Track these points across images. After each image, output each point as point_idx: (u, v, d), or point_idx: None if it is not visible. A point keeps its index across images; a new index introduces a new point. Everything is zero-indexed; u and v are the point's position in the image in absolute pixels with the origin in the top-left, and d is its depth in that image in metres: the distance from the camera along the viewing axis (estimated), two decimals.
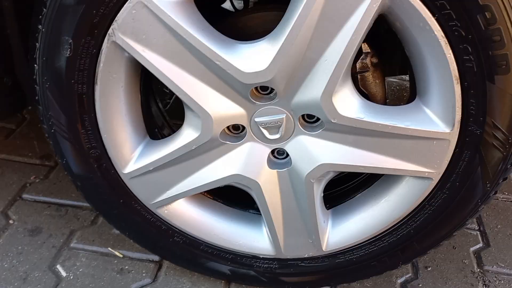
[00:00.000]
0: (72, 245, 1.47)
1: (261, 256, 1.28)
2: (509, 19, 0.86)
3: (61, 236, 1.49)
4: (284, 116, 1.05)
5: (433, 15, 0.86)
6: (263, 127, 1.07)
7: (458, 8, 0.85)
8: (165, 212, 1.22)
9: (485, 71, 0.90)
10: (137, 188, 1.18)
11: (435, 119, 0.99)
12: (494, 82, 0.91)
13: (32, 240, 1.48)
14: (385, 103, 1.12)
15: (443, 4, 0.85)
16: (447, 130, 0.99)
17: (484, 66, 0.90)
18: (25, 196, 1.64)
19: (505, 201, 1.78)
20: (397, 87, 2.37)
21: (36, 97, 1.07)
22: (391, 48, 1.14)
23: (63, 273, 1.38)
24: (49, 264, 1.41)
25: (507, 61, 0.89)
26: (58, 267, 1.40)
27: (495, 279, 1.47)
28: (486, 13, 0.85)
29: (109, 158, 1.13)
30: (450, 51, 0.89)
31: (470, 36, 0.87)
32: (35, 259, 1.42)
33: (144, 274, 1.40)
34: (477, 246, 1.58)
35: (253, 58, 0.96)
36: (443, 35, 0.88)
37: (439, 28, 0.87)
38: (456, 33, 0.87)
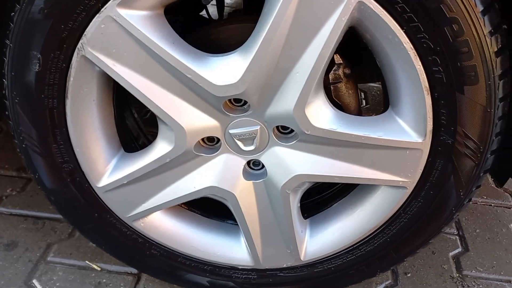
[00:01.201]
0: (49, 258, 1.45)
1: (240, 267, 1.27)
2: (476, 30, 0.87)
3: (38, 250, 1.47)
4: (258, 127, 1.05)
5: (402, 27, 0.87)
6: (237, 139, 1.07)
7: (426, 20, 0.85)
8: (141, 225, 1.21)
9: (455, 82, 0.91)
10: (111, 201, 1.16)
11: (407, 129, 1.00)
12: (463, 92, 0.92)
13: (7, 255, 1.45)
14: (359, 113, 1.13)
15: (410, 16, 0.85)
16: (419, 140, 0.99)
17: (453, 77, 0.91)
18: (1, 209, 1.61)
19: (484, 205, 1.80)
20: (378, 92, 2.38)
21: (6, 112, 1.05)
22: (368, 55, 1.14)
23: None
24: (25, 279, 1.38)
25: (475, 72, 0.90)
26: (35, 282, 1.38)
27: (473, 283, 1.48)
28: (453, 25, 0.86)
29: (82, 172, 1.11)
30: (420, 62, 0.90)
31: (438, 48, 0.88)
32: (11, 274, 1.40)
33: (122, 287, 1.38)
34: (456, 251, 1.59)
35: (225, 70, 0.96)
36: (412, 47, 0.89)
37: (407, 40, 0.88)
38: (424, 45, 0.88)
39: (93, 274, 1.41)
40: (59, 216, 1.57)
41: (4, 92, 1.02)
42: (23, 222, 1.57)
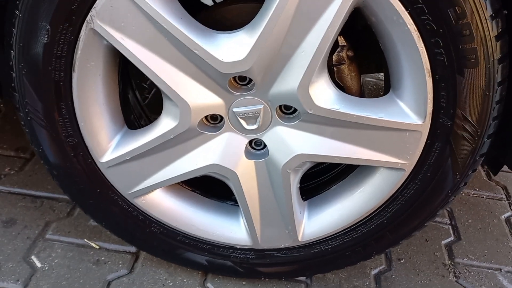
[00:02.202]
0: (47, 236, 1.45)
1: (238, 247, 1.29)
2: (478, 14, 0.89)
3: (36, 228, 1.48)
4: (262, 106, 1.06)
5: (406, 9, 0.89)
6: (241, 118, 1.08)
7: (430, 2, 0.88)
8: (142, 202, 1.22)
9: (455, 65, 0.93)
10: (114, 177, 1.17)
11: (407, 111, 1.02)
12: (463, 75, 0.95)
13: (6, 232, 1.46)
14: (360, 96, 1.15)
15: None
16: (419, 122, 1.02)
17: (454, 59, 0.93)
18: None
19: (476, 196, 1.83)
20: (374, 86, 2.41)
21: (12, 84, 1.06)
22: (367, 43, 1.16)
23: (38, 264, 1.37)
24: (24, 255, 1.39)
25: (476, 55, 0.93)
26: (33, 258, 1.38)
27: (465, 271, 1.51)
28: (456, 7, 0.88)
29: (86, 147, 1.12)
30: (422, 44, 0.92)
31: (441, 30, 0.90)
32: (9, 250, 1.40)
33: (120, 265, 1.39)
34: (449, 240, 1.62)
35: (231, 48, 0.97)
36: (416, 28, 0.91)
37: (411, 21, 0.90)
38: (428, 27, 0.90)
39: (91, 252, 1.42)
40: (57, 195, 1.59)
41: (11, 63, 1.03)
42: (22, 201, 1.57)
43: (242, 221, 1.26)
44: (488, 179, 1.92)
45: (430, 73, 0.95)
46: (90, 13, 0.94)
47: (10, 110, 1.94)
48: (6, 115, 1.94)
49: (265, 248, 1.28)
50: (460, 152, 1.05)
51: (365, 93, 2.39)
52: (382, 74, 1.23)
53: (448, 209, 1.74)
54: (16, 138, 1.82)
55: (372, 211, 1.18)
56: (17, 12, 0.96)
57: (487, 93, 0.97)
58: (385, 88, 1.13)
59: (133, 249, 1.44)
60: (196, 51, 0.96)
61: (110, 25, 0.95)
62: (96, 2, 0.92)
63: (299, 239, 1.25)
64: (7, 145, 1.80)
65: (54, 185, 1.25)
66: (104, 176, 1.17)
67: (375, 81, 2.45)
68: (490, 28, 0.91)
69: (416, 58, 0.94)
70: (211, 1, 1.45)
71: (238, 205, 1.23)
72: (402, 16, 0.90)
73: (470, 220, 1.72)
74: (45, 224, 1.49)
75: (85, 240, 1.45)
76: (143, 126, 1.23)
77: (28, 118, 1.10)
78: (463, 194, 1.83)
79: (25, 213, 1.53)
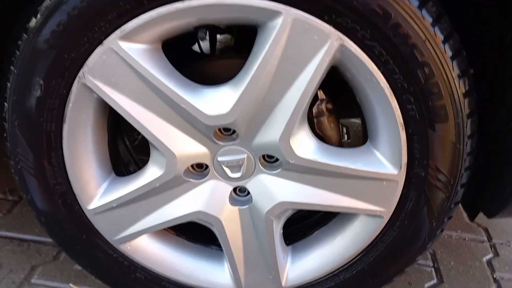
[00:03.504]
0: (33, 280, 1.45)
1: None
2: (446, 74, 0.96)
3: (22, 272, 1.48)
4: (245, 156, 1.11)
5: (379, 68, 0.95)
6: (225, 166, 1.12)
7: (400, 63, 0.94)
8: (127, 248, 1.24)
9: (426, 120, 0.99)
10: (100, 224, 1.20)
11: (384, 161, 1.07)
12: (435, 129, 1.00)
13: None
14: (340, 145, 1.20)
15: (387, 59, 0.94)
16: (395, 172, 1.06)
17: (425, 115, 0.99)
18: None
19: (458, 239, 1.87)
20: (359, 128, 2.48)
21: (4, 134, 1.10)
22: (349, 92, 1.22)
23: None
24: None
25: (445, 111, 0.99)
26: None
27: None
28: (425, 68, 0.95)
29: (74, 194, 1.15)
30: (395, 100, 0.98)
31: (412, 88, 0.96)
32: None
33: None
34: (432, 283, 1.64)
35: (216, 101, 1.02)
36: (388, 86, 0.97)
37: (384, 80, 0.96)
38: (399, 85, 0.96)
39: None
40: (44, 239, 1.60)
41: (4, 115, 1.07)
42: (9, 244, 1.58)
43: (226, 266, 1.28)
44: (470, 220, 1.96)
45: (404, 127, 1.01)
46: (82, 70, 0.99)
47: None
48: None
49: None
50: (435, 201, 1.10)
51: (350, 133, 2.46)
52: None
53: (430, 251, 1.77)
54: (4, 180, 1.84)
55: (354, 256, 1.21)
56: (12, 68, 1.01)
57: (458, 146, 1.02)
58: (363, 138, 1.18)
59: None
60: (183, 105, 1.01)
61: (101, 80, 1.00)
62: (88, 59, 0.98)
63: (283, 284, 1.27)
64: None
65: (42, 229, 1.26)
66: (91, 222, 1.19)
67: (360, 123, 2.51)
68: (457, 86, 0.97)
69: (390, 113, 1.00)
70: (200, 52, 1.53)
71: (222, 250, 1.25)
72: (375, 75, 0.96)
73: (452, 263, 1.75)
74: (31, 268, 1.49)
75: (71, 285, 1.46)
76: (131, 172, 1.26)
77: (19, 167, 1.13)
78: (446, 236, 1.87)
79: (11, 256, 1.53)
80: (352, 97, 1.24)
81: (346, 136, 2.43)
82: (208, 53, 1.48)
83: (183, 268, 1.28)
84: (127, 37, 0.96)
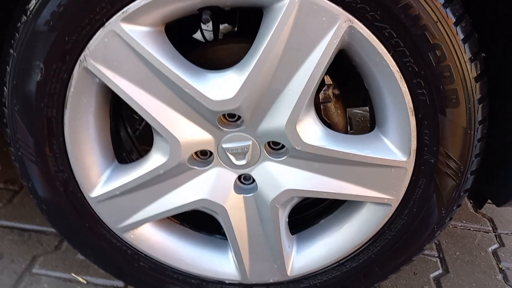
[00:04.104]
0: (34, 270, 1.44)
1: (227, 282, 1.29)
2: (458, 57, 0.93)
3: (23, 262, 1.46)
4: (250, 142, 1.08)
5: (389, 51, 0.93)
6: (230, 153, 1.10)
7: (411, 45, 0.92)
8: (131, 237, 1.22)
9: (437, 104, 0.97)
10: (103, 212, 1.18)
11: (392, 148, 1.05)
12: (445, 114, 0.98)
13: None
14: (346, 132, 1.18)
15: (397, 42, 0.91)
16: (404, 159, 1.04)
17: (436, 99, 0.96)
18: None
19: (463, 229, 1.85)
20: (362, 118, 2.46)
21: (4, 120, 1.07)
22: (355, 79, 1.20)
23: None
24: None
25: (456, 96, 0.96)
26: None
27: None
28: (436, 51, 0.92)
29: (76, 182, 1.13)
30: (405, 85, 0.96)
31: (422, 72, 0.94)
32: None
33: None
34: (437, 273, 1.63)
35: (221, 86, 1.00)
36: (398, 70, 0.94)
37: (394, 63, 0.94)
38: (410, 68, 0.94)
39: (78, 287, 1.41)
40: (45, 228, 1.58)
41: (3, 100, 1.04)
42: (9, 234, 1.56)
43: (231, 255, 1.27)
44: (474, 211, 1.94)
45: (413, 112, 0.98)
46: (83, 53, 0.96)
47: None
48: None
49: (254, 283, 1.28)
50: (444, 188, 1.08)
51: (353, 125, 2.44)
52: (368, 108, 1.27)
53: (436, 241, 1.76)
54: (5, 170, 1.81)
55: (360, 245, 1.20)
56: (11, 51, 0.98)
57: (469, 132, 1.00)
58: (371, 124, 1.16)
59: (120, 283, 1.43)
60: (186, 90, 0.99)
61: (103, 64, 0.97)
62: (90, 42, 0.95)
63: (288, 273, 1.25)
64: None
65: (43, 218, 1.24)
66: (94, 210, 1.17)
67: (363, 114, 2.49)
68: (469, 70, 0.95)
69: (400, 98, 0.98)
70: (203, 39, 1.50)
71: (227, 239, 1.24)
72: (385, 58, 0.94)
73: (458, 253, 1.73)
74: (32, 258, 1.48)
75: (73, 274, 1.44)
76: (133, 161, 1.24)
77: (19, 153, 1.10)
78: (451, 227, 1.85)
79: (12, 246, 1.52)
80: (355, 87, 1.23)
81: (349, 127, 2.41)
82: (211, 41, 1.45)
83: (187, 257, 1.26)
84: (129, 19, 0.93)
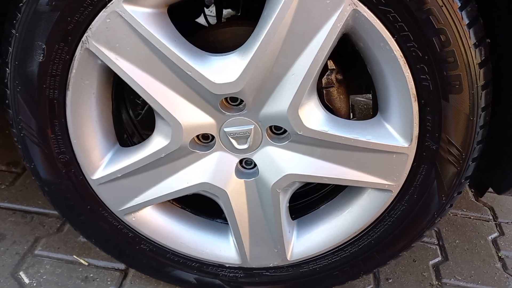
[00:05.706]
0: (36, 252, 1.45)
1: (227, 265, 1.30)
2: (462, 42, 0.92)
3: (25, 243, 1.48)
4: (252, 127, 1.08)
5: (393, 36, 0.92)
6: (232, 137, 1.10)
7: (416, 30, 0.91)
8: (132, 219, 1.23)
9: (440, 90, 0.96)
10: (105, 194, 1.18)
11: (394, 134, 1.05)
12: (448, 100, 0.98)
13: None
14: (348, 118, 1.17)
15: (401, 26, 0.91)
16: (406, 145, 1.04)
17: (439, 85, 0.96)
18: None
19: (463, 217, 1.86)
20: (364, 106, 2.45)
21: (6, 101, 1.07)
22: (357, 65, 1.19)
23: (26, 280, 1.36)
24: (12, 271, 1.38)
25: (460, 82, 0.96)
26: (21, 274, 1.38)
27: None
28: (441, 36, 0.91)
29: (78, 164, 1.13)
30: (408, 70, 0.95)
31: (426, 57, 0.93)
32: None
33: (109, 282, 1.39)
34: (436, 260, 1.64)
35: (224, 69, 1.00)
36: (402, 55, 0.94)
37: (398, 48, 0.93)
38: (413, 53, 0.93)
39: (80, 269, 1.42)
40: (47, 210, 1.59)
41: (5, 81, 1.04)
42: (12, 216, 1.57)
43: (231, 239, 1.27)
44: (475, 199, 1.95)
45: (416, 97, 0.98)
46: (85, 34, 0.96)
47: (1, 125, 1.95)
48: None
49: (254, 267, 1.29)
50: (445, 175, 1.08)
51: (356, 112, 2.43)
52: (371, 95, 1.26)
53: (436, 229, 1.76)
54: (7, 153, 1.82)
55: (360, 231, 1.20)
56: (13, 31, 0.98)
57: (471, 118, 1.00)
58: (373, 110, 1.16)
59: (122, 266, 1.44)
60: (189, 72, 0.98)
61: (105, 45, 0.97)
62: (92, 23, 0.95)
63: (288, 258, 1.26)
64: None
65: (45, 200, 1.25)
66: (95, 193, 1.18)
67: (365, 101, 2.49)
68: (473, 56, 0.94)
69: (403, 83, 0.97)
70: (206, 23, 1.49)
71: (227, 223, 1.24)
72: (389, 42, 0.93)
73: (457, 241, 1.74)
74: (35, 240, 1.49)
75: (74, 256, 1.45)
76: (135, 144, 1.24)
77: (21, 134, 1.11)
78: (451, 215, 1.86)
79: (14, 228, 1.53)
80: (358, 73, 1.22)
81: (351, 115, 2.40)
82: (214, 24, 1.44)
83: (188, 241, 1.27)
84: (132, 0, 0.92)
